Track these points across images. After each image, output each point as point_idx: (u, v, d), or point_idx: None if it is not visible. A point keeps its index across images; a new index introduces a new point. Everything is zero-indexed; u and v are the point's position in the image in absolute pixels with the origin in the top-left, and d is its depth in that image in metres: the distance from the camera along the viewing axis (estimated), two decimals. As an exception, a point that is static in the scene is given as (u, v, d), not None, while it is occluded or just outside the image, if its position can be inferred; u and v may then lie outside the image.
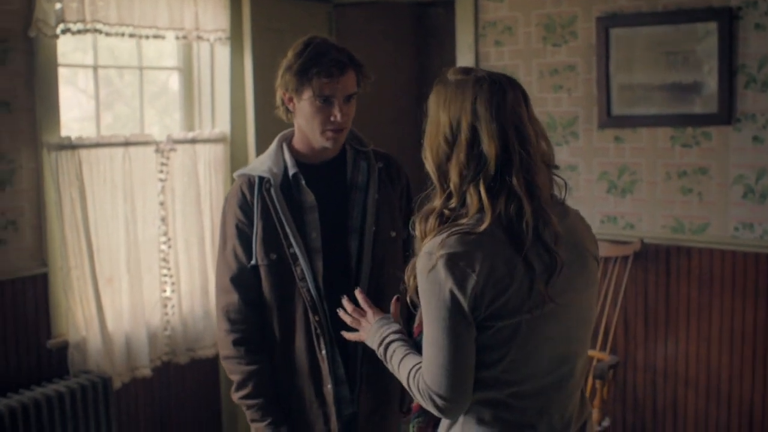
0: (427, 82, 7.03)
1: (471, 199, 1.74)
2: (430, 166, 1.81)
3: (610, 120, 4.13)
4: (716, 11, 3.79)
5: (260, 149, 3.69)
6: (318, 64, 2.37)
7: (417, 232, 1.81)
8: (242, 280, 2.49)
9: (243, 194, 2.49)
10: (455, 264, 1.69)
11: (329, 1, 4.90)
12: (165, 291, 4.10)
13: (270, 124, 4.20)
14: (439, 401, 1.74)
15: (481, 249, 1.70)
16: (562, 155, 4.28)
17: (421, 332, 1.81)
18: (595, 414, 3.76)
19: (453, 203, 1.77)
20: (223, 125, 4.44)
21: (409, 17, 6.56)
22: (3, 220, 3.52)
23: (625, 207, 4.15)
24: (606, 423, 3.85)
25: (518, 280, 1.70)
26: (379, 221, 2.54)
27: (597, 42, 4.11)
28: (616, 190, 4.16)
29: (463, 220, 1.74)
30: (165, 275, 4.09)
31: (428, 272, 1.71)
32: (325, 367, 2.48)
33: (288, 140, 2.56)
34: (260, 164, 2.52)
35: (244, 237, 2.48)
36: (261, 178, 2.48)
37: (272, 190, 2.46)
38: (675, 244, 4.02)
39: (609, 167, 4.16)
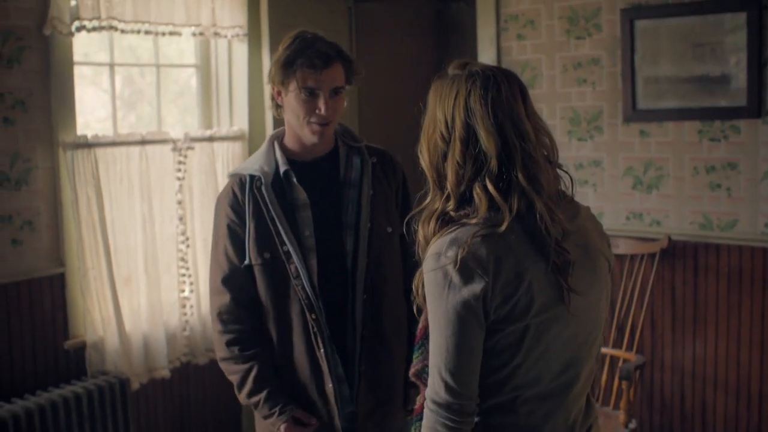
0: (448, 77, 6.79)
1: (479, 198, 1.67)
2: (425, 164, 1.75)
3: (635, 114, 4.04)
4: (745, 1, 3.69)
5: (278, 147, 3.66)
6: (302, 56, 2.36)
7: (420, 237, 1.74)
8: (234, 280, 2.47)
9: (234, 194, 2.47)
10: (469, 266, 1.62)
11: (349, -3, 4.85)
12: (183, 291, 4.07)
13: (288, 121, 4.17)
14: (445, 407, 1.67)
15: (497, 249, 1.63)
16: (586, 150, 4.19)
17: (424, 336, 1.77)
18: (622, 416, 3.67)
19: (451, 205, 1.70)
20: (241, 123, 4.39)
21: (430, 13, 6.50)
22: (19, 220, 3.50)
23: (651, 203, 4.05)
24: (633, 425, 3.75)
25: (530, 280, 1.64)
26: (374, 217, 2.52)
27: (622, 34, 4.01)
28: (641, 185, 4.06)
29: (473, 220, 1.67)
30: (183, 275, 4.05)
31: (438, 274, 1.64)
32: (324, 365, 2.46)
33: (279, 138, 2.55)
34: (251, 163, 2.51)
35: (236, 237, 2.46)
36: (252, 177, 2.46)
37: (263, 189, 2.45)
38: (703, 241, 3.92)
39: (634, 162, 4.07)
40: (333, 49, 2.41)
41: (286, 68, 2.38)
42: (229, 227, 2.47)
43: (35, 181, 3.55)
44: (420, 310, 1.80)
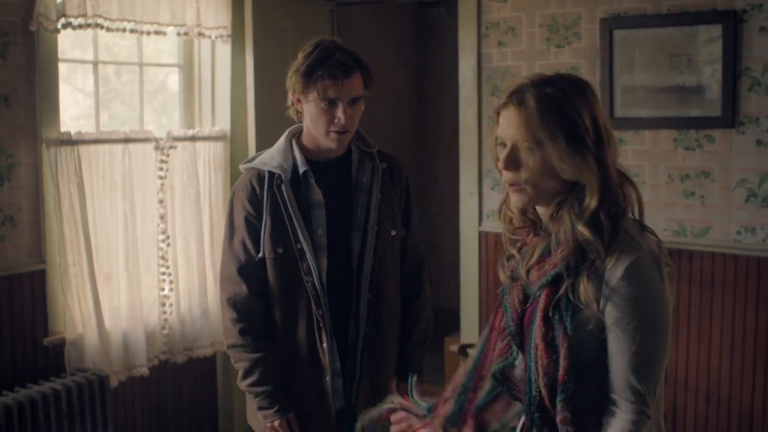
0: (427, 81, 7.02)
1: (629, 192, 1.77)
2: (578, 170, 1.70)
3: (613, 122, 4.05)
4: (721, 14, 3.78)
5: (260, 147, 3.68)
6: (322, 66, 2.43)
7: (589, 235, 1.66)
8: (250, 271, 2.56)
9: (253, 188, 2.55)
10: (659, 266, 1.69)
11: (331, 0, 4.88)
12: (163, 289, 4.08)
13: (270, 122, 4.20)
14: (645, 409, 1.66)
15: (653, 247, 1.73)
16: (563, 157, 4.26)
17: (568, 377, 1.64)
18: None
19: (606, 203, 1.70)
20: (223, 123, 4.41)
21: (410, 17, 6.56)
22: (1, 216, 3.49)
23: (626, 210, 4.13)
24: (606, 426, 3.83)
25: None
26: (381, 220, 2.61)
27: (601, 43, 4.09)
28: (617, 192, 4.13)
29: (629, 216, 1.76)
30: (163, 273, 4.06)
31: (650, 277, 1.66)
32: (325, 359, 2.55)
33: (297, 136, 2.62)
34: (270, 159, 2.57)
35: (253, 229, 2.55)
36: (272, 174, 2.53)
37: (283, 187, 2.52)
38: (677, 248, 4.00)
39: (611, 169, 4.14)
40: (352, 59, 2.48)
41: (307, 78, 2.45)
42: (246, 219, 2.55)
43: (18, 177, 3.54)
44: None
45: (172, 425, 4.27)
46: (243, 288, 2.56)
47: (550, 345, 1.64)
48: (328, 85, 2.43)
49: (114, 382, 3.81)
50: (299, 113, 2.56)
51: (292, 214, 2.51)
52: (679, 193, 3.98)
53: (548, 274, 1.68)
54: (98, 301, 3.72)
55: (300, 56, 2.49)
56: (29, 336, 3.62)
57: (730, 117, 3.80)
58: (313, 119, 2.50)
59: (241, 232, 2.56)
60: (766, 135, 3.74)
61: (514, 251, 1.81)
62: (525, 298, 1.74)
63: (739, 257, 3.85)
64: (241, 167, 2.67)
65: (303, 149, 2.58)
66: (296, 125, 2.64)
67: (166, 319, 4.07)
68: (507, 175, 1.72)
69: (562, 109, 1.67)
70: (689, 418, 4.04)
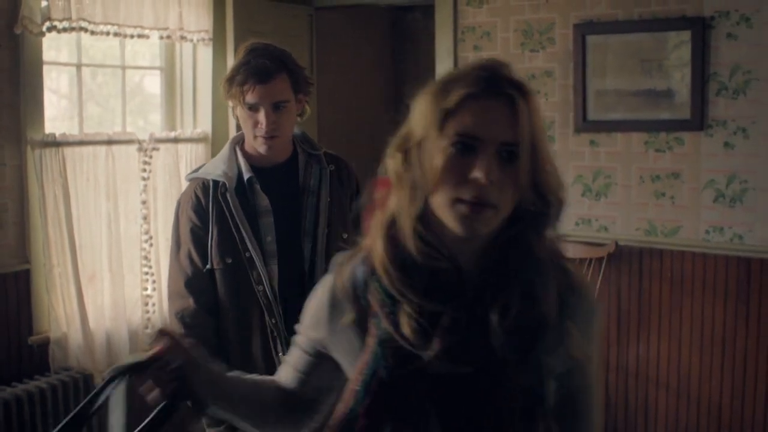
0: (403, 84, 7.07)
1: None
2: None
3: (586, 125, 4.23)
4: (690, 20, 3.90)
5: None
6: (240, 72, 2.39)
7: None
8: (197, 284, 2.48)
9: (197, 198, 2.48)
10: None
11: (310, 5, 4.95)
12: (146, 289, 4.12)
13: (252, 124, 4.25)
14: None
15: None
16: (538, 159, 4.36)
17: None
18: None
19: None
20: (204, 125, 4.47)
21: (386, 21, 6.64)
22: (-14, 216, 3.53)
23: (599, 210, 4.24)
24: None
25: None
26: (332, 223, 2.57)
27: (574, 48, 4.20)
28: (591, 193, 4.25)
29: None
30: (146, 273, 4.11)
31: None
32: None
33: (240, 143, 2.57)
34: (214, 168, 2.52)
35: (199, 241, 2.47)
36: (216, 182, 2.47)
37: (228, 195, 2.45)
38: (648, 247, 4.12)
39: (584, 171, 4.26)
40: (275, 62, 2.42)
41: (229, 84, 2.42)
42: (192, 231, 2.47)
43: (3, 178, 3.58)
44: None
45: (154, 423, 4.31)
46: (191, 302, 2.46)
47: None
48: (247, 90, 2.38)
49: (98, 381, 3.84)
50: (238, 118, 2.53)
51: (238, 222, 2.45)
52: (650, 194, 4.10)
53: None
54: (82, 301, 3.76)
55: (234, 61, 2.49)
56: (14, 335, 3.65)
57: (698, 120, 3.92)
58: (242, 124, 2.46)
59: (187, 244, 2.48)
60: (733, 137, 3.87)
61: None
62: None
63: (708, 256, 3.97)
64: (186, 178, 2.61)
65: (247, 156, 2.52)
66: (239, 132, 2.60)
67: (148, 319, 4.12)
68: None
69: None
70: (660, 414, 4.15)
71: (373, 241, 1.35)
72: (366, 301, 1.36)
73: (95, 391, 1.38)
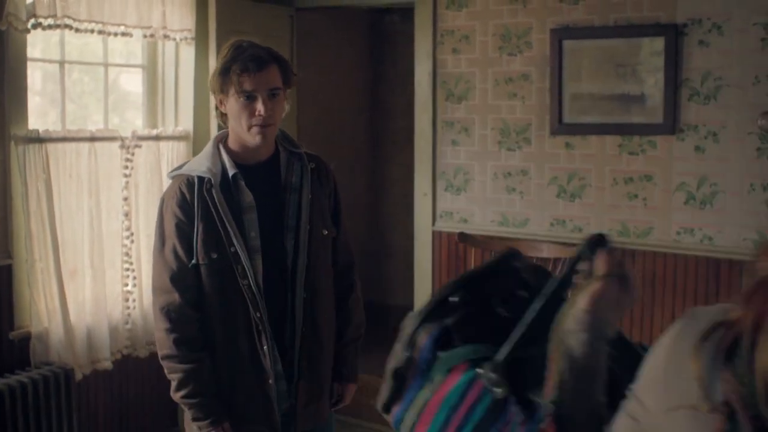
0: (382, 85, 7.16)
1: None
2: None
3: (561, 127, 4.32)
4: (663, 27, 4.01)
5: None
6: (236, 61, 2.47)
7: None
8: (183, 279, 2.52)
9: (182, 194, 2.52)
10: None
11: (291, 5, 5.01)
12: (127, 285, 4.16)
13: (233, 123, 4.30)
14: None
15: None
16: (514, 160, 4.45)
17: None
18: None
19: None
20: (186, 123, 4.51)
21: (365, 23, 6.71)
22: (-31, 211, 3.55)
23: (573, 211, 4.34)
24: (553, 417, 4.01)
25: None
26: (313, 220, 2.64)
27: (551, 53, 4.29)
28: (565, 194, 4.35)
29: None
30: (127, 269, 4.15)
31: None
32: (266, 362, 2.55)
33: (223, 141, 2.64)
34: (198, 165, 2.57)
35: (184, 236, 2.52)
36: (201, 179, 2.52)
37: (213, 191, 2.50)
38: (621, 247, 4.21)
39: (559, 172, 4.35)
40: (266, 53, 2.52)
41: (224, 75, 2.49)
42: (177, 226, 2.52)
43: (-14, 174, 3.61)
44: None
45: (133, 417, 4.35)
46: (176, 297, 2.51)
47: None
48: (244, 79, 2.45)
49: (78, 376, 3.88)
50: (224, 115, 2.58)
51: (224, 217, 2.49)
52: (623, 196, 4.20)
53: None
54: (64, 296, 3.78)
55: (218, 59, 2.55)
56: (-5, 330, 3.68)
57: (671, 124, 4.03)
58: (235, 116, 2.51)
59: (172, 239, 2.52)
60: (704, 142, 3.98)
61: None
62: None
63: (679, 256, 4.08)
64: (169, 175, 2.66)
65: (230, 153, 2.58)
66: (222, 131, 2.67)
67: (129, 314, 4.15)
68: None
69: None
70: (631, 408, 4.25)
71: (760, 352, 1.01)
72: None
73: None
